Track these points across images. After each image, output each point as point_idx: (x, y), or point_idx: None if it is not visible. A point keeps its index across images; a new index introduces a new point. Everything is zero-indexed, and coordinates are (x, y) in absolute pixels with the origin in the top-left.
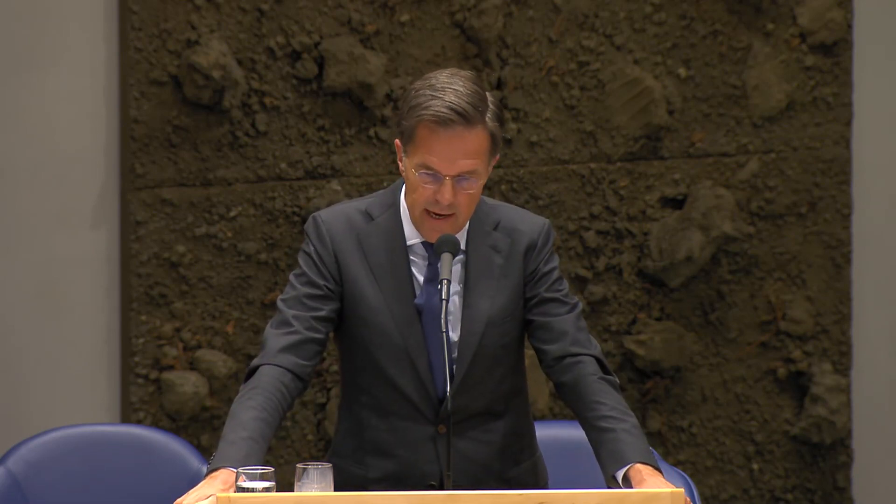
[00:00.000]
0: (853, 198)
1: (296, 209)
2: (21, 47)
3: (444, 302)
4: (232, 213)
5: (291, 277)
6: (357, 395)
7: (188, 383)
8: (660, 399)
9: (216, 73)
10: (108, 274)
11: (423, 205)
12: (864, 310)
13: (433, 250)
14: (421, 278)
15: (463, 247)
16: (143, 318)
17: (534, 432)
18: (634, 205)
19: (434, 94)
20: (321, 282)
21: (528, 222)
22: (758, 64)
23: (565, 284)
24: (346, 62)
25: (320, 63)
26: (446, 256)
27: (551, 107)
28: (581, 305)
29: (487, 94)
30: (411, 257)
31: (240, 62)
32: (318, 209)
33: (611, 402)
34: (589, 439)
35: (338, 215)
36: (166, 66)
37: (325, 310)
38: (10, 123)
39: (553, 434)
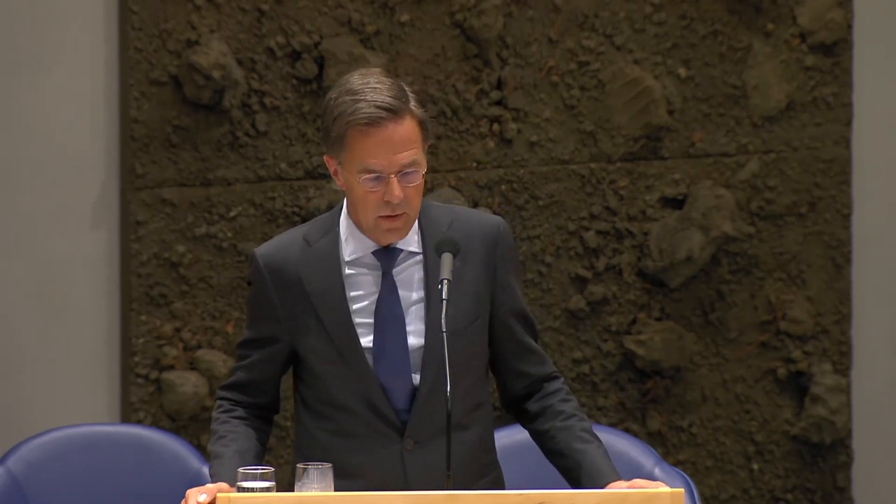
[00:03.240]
0: (853, 198)
1: (296, 209)
2: (21, 47)
3: (444, 302)
4: (232, 213)
5: (246, 311)
6: (316, 422)
7: (188, 383)
8: (660, 399)
9: (216, 73)
10: (108, 274)
11: (375, 211)
12: (864, 310)
13: (385, 258)
14: (368, 292)
15: (418, 249)
16: (143, 318)
17: (494, 444)
18: (634, 205)
19: (354, 97)
20: (260, 330)
21: (483, 222)
22: (758, 64)
23: (524, 303)
24: (346, 62)
25: (320, 63)
26: (446, 256)
27: (551, 107)
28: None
29: (402, 83)
30: (354, 271)
31: (240, 62)
32: (318, 209)
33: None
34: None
35: (276, 248)
36: (166, 66)
37: (264, 353)
38: (10, 123)
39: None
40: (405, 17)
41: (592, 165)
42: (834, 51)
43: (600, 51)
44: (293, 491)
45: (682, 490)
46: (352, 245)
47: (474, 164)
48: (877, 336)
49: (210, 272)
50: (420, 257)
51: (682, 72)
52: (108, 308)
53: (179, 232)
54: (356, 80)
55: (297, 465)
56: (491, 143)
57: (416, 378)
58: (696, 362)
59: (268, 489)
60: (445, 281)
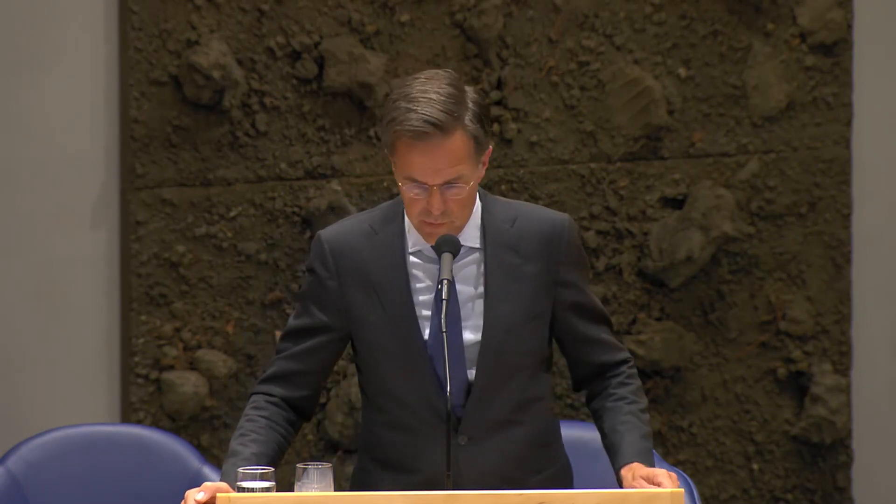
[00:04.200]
0: (853, 198)
1: (296, 209)
2: (21, 47)
3: (443, 302)
4: (232, 213)
5: (296, 301)
6: (375, 415)
7: (188, 383)
8: (660, 399)
9: (216, 73)
10: (108, 274)
11: (418, 216)
12: (864, 310)
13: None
14: (426, 285)
15: (479, 245)
16: (143, 318)
17: (559, 438)
18: (634, 205)
19: (409, 105)
20: (313, 317)
21: (547, 220)
22: (758, 64)
23: (590, 296)
24: (346, 62)
25: (320, 63)
26: (446, 256)
27: (551, 107)
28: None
29: (468, 90)
30: (418, 261)
31: (240, 62)
32: (318, 209)
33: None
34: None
35: (342, 234)
36: (166, 66)
37: (313, 341)
38: (10, 123)
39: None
40: (405, 17)
41: (592, 165)
42: (834, 51)
43: (600, 51)
44: (293, 491)
45: (682, 490)
46: (415, 235)
47: None
48: (877, 336)
49: (210, 272)
50: (479, 254)
51: (682, 72)
52: (108, 308)
53: (179, 232)
54: (417, 85)
55: (297, 465)
56: (491, 143)
57: (472, 374)
58: (696, 362)
59: (268, 489)
60: (445, 281)
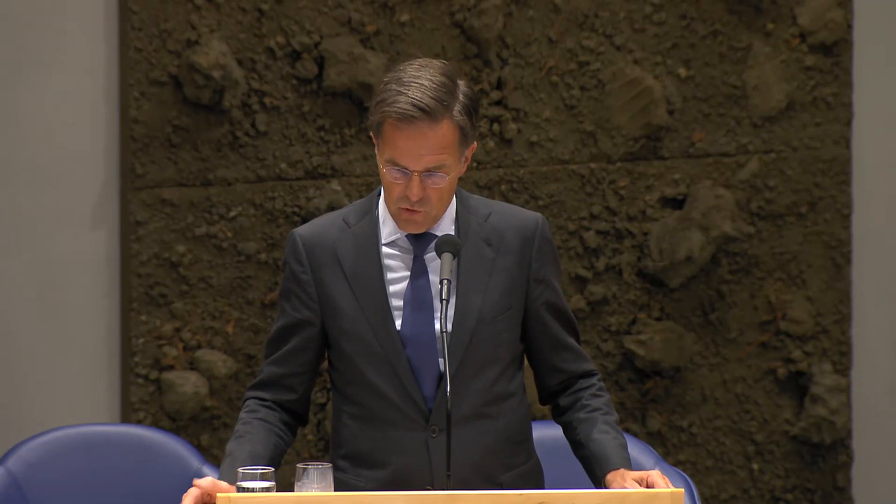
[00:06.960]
0: (853, 198)
1: (296, 209)
2: (21, 47)
3: (444, 302)
4: (232, 213)
5: (277, 303)
6: (346, 407)
7: (188, 383)
8: (660, 399)
9: (216, 73)
10: (108, 274)
11: (396, 201)
12: (864, 310)
13: (418, 242)
14: (401, 276)
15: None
16: (143, 318)
17: (531, 437)
18: (634, 205)
19: (400, 88)
20: (291, 316)
21: (521, 217)
22: (758, 64)
23: (564, 301)
24: (346, 62)
25: (320, 63)
26: (447, 256)
27: (551, 107)
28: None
29: (460, 83)
30: (392, 251)
31: (240, 62)
32: (318, 209)
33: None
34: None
35: (315, 228)
36: (166, 66)
37: (295, 341)
38: (10, 123)
39: (553, 434)
40: (405, 17)
41: (592, 165)
42: (834, 51)
43: (600, 51)
44: (293, 491)
45: (682, 490)
46: (389, 227)
47: (474, 164)
48: (877, 336)
49: (210, 272)
50: None
51: (682, 72)
52: (108, 308)
53: (179, 232)
54: (411, 71)
55: (297, 465)
56: (491, 143)
57: (443, 364)
58: (696, 362)
59: (268, 489)
60: (445, 281)
